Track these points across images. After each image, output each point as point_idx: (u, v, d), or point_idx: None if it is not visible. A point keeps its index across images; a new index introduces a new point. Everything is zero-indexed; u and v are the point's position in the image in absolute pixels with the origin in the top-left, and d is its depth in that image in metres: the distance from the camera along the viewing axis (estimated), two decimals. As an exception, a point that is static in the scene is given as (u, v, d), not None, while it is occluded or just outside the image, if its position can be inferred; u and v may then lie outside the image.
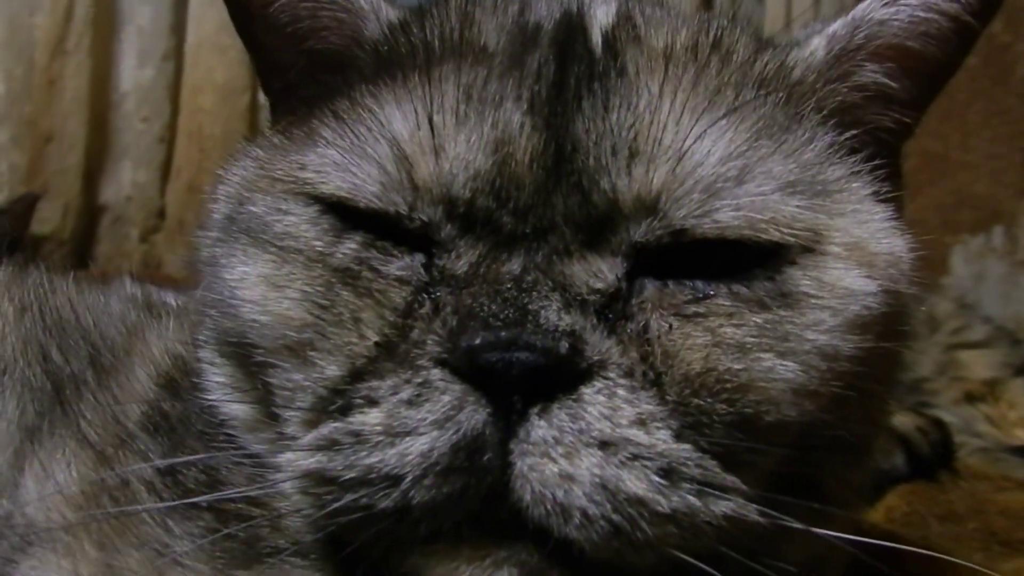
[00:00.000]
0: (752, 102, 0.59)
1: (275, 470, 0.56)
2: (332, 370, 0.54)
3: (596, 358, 0.51)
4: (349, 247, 0.57)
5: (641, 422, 0.51)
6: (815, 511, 0.55)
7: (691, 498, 0.50)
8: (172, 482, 0.60)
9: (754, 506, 0.52)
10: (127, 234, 2.37)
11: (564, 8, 0.64)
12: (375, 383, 0.52)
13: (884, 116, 0.64)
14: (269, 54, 0.68)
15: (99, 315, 0.75)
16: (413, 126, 0.56)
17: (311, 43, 0.65)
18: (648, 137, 0.55)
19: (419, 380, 0.51)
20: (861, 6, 0.63)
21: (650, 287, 0.55)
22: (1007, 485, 1.31)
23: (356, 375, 0.53)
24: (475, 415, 0.50)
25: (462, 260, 0.55)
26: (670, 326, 0.54)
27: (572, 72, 0.58)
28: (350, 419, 0.52)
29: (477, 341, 0.50)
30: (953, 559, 0.69)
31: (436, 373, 0.51)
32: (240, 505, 0.58)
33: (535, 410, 0.50)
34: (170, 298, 0.83)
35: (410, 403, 0.51)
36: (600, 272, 0.55)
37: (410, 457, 0.50)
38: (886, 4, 0.63)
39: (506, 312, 0.51)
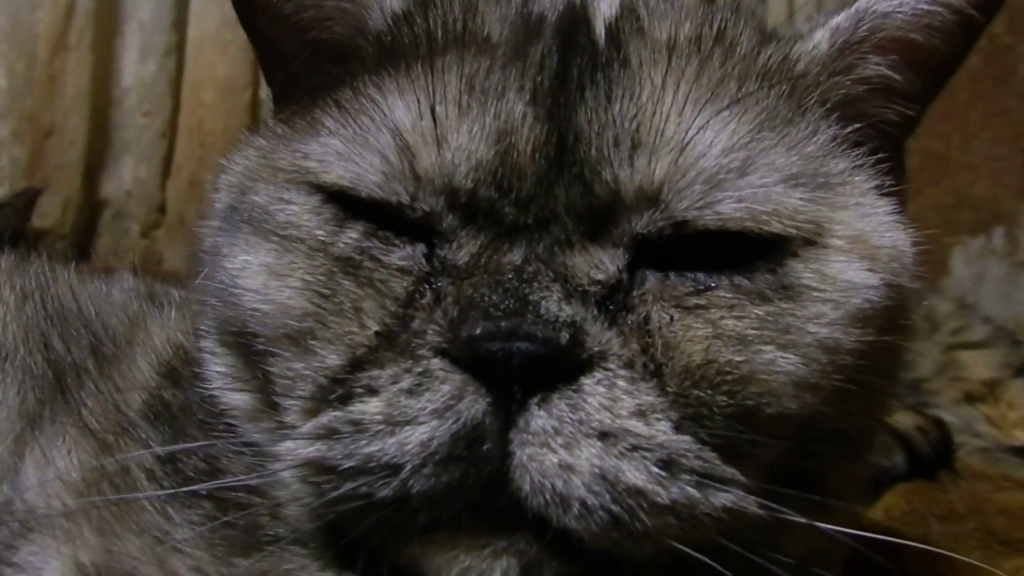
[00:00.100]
0: (755, 94, 0.59)
1: (275, 459, 0.56)
2: (332, 359, 0.54)
3: (596, 349, 0.52)
4: (350, 236, 0.57)
5: (641, 413, 0.51)
6: (815, 504, 0.55)
7: (690, 489, 0.51)
8: (172, 470, 0.60)
9: (753, 498, 0.52)
10: (127, 229, 2.37)
11: None
12: (375, 372, 0.52)
13: (887, 109, 0.64)
14: (272, 45, 0.68)
15: (101, 304, 0.75)
16: (415, 116, 0.56)
17: (315, 33, 0.65)
18: (651, 128, 0.55)
19: (419, 370, 0.51)
20: None
21: (651, 279, 0.55)
22: (1007, 485, 1.31)
23: (356, 364, 0.54)
24: (475, 405, 0.50)
25: (463, 250, 0.55)
26: (671, 318, 0.54)
27: (575, 63, 0.58)
28: (350, 408, 0.52)
29: (478, 331, 0.50)
30: (952, 554, 0.69)
31: (436, 363, 0.51)
32: (240, 493, 0.58)
33: (535, 400, 0.50)
34: (172, 292, 0.83)
35: (410, 392, 0.51)
36: (601, 263, 0.55)
37: (410, 446, 0.50)
38: None
39: (507, 302, 0.51)
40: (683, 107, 0.56)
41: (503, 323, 0.50)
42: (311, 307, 0.56)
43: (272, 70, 0.70)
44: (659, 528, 0.50)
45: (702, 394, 0.52)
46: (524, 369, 0.50)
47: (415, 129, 0.56)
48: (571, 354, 0.51)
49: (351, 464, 0.51)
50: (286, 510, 0.58)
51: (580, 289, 0.54)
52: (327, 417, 0.53)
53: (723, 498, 0.51)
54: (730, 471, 0.52)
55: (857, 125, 0.62)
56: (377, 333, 0.54)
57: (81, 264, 0.86)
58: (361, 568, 0.55)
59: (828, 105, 0.62)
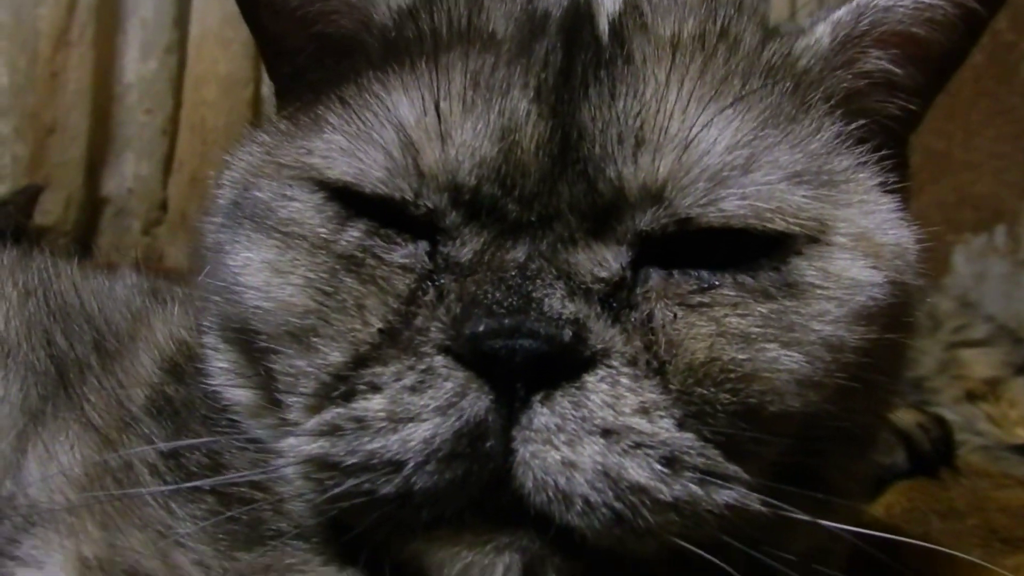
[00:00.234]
0: (759, 91, 0.59)
1: (277, 455, 0.57)
2: (335, 356, 0.54)
3: (599, 346, 0.52)
4: (353, 235, 0.57)
5: (644, 410, 0.51)
6: (818, 501, 0.55)
7: (693, 487, 0.51)
8: (175, 465, 0.60)
9: (756, 496, 0.52)
10: (129, 226, 2.37)
11: None
12: (378, 369, 0.52)
13: (890, 104, 0.64)
14: (276, 39, 0.68)
15: (104, 300, 0.75)
16: (420, 112, 0.56)
17: (319, 27, 0.65)
18: (654, 125, 0.55)
19: (422, 367, 0.51)
20: None
21: (655, 276, 0.55)
22: (1007, 483, 1.31)
23: (359, 361, 0.54)
24: (478, 402, 0.50)
25: (467, 248, 0.55)
26: (675, 315, 0.54)
27: (579, 60, 0.58)
28: (353, 405, 0.52)
29: (481, 328, 0.50)
30: (953, 552, 0.69)
31: (439, 360, 0.51)
32: (242, 488, 0.58)
33: (538, 397, 0.50)
34: (175, 288, 0.83)
35: (413, 389, 0.51)
36: (605, 261, 0.55)
37: (412, 443, 0.50)
38: None
39: (510, 300, 0.51)
40: (687, 104, 0.56)
41: (506, 320, 0.50)
42: (313, 304, 0.56)
43: (275, 65, 0.70)
44: (662, 525, 0.50)
45: (705, 392, 0.52)
46: (527, 366, 0.50)
47: (419, 125, 0.56)
48: (574, 351, 0.51)
49: (354, 461, 0.51)
50: (289, 505, 0.58)
51: (583, 286, 0.53)
52: (330, 414, 0.53)
53: (726, 495, 0.51)
54: (733, 468, 0.52)
55: (861, 121, 0.62)
56: (380, 330, 0.54)
57: (83, 261, 0.86)
58: (363, 564, 0.55)
59: (832, 101, 0.62)
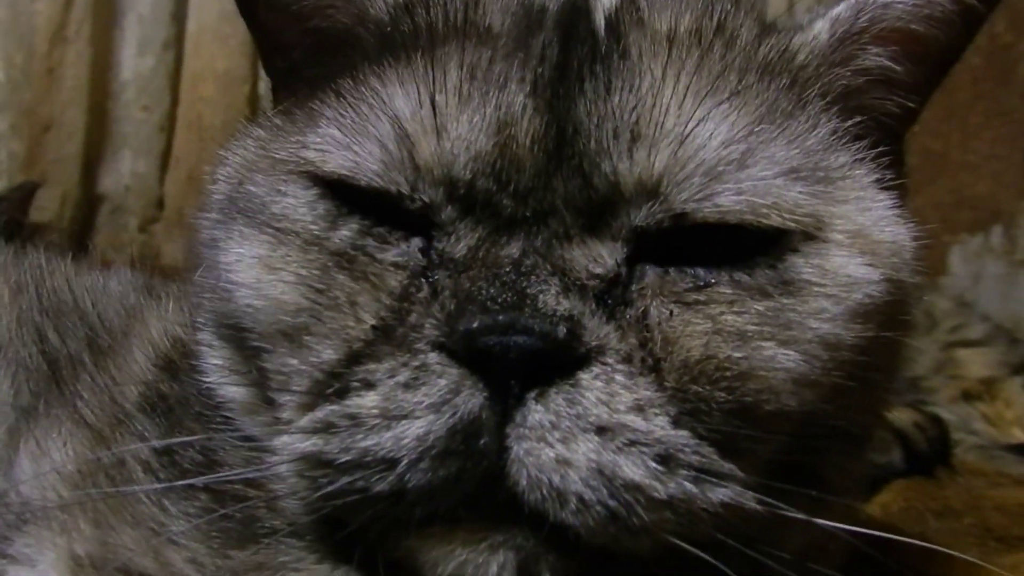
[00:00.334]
0: (755, 86, 0.58)
1: (271, 453, 0.56)
2: (328, 354, 0.54)
3: (594, 343, 0.51)
4: (345, 233, 0.57)
5: (639, 408, 0.51)
6: (814, 500, 0.55)
7: (688, 485, 0.50)
8: (169, 462, 0.60)
9: (751, 494, 0.52)
10: (126, 224, 2.36)
11: None
12: (372, 366, 0.52)
13: (888, 101, 0.64)
14: (272, 34, 0.67)
15: (97, 296, 0.75)
16: (415, 105, 0.56)
17: (316, 21, 0.65)
18: (650, 120, 0.55)
19: (416, 364, 0.51)
20: None
21: (651, 274, 0.55)
22: (1003, 482, 1.31)
23: (353, 359, 0.53)
24: (472, 399, 0.50)
25: (461, 243, 0.55)
26: (670, 313, 0.53)
27: (575, 54, 0.58)
28: (346, 402, 0.52)
29: (475, 324, 0.50)
30: (949, 551, 0.69)
31: (433, 357, 0.51)
32: (236, 486, 0.58)
33: (532, 395, 0.50)
34: (170, 285, 0.83)
35: (407, 386, 0.51)
36: (600, 257, 0.54)
37: (406, 440, 0.50)
38: None
39: (504, 296, 0.51)
40: (683, 99, 0.56)
41: (500, 317, 0.50)
42: (305, 302, 0.55)
43: (271, 60, 0.70)
44: (656, 523, 0.50)
45: (700, 389, 0.52)
46: (521, 363, 0.50)
47: (415, 118, 0.56)
48: (569, 348, 0.50)
49: (347, 458, 0.51)
50: (283, 503, 0.58)
51: (578, 283, 0.53)
52: (323, 411, 0.53)
53: (721, 493, 0.51)
54: (728, 466, 0.52)
55: (858, 118, 0.62)
56: (373, 327, 0.54)
57: (79, 258, 0.86)
58: (357, 561, 0.55)
59: (829, 98, 0.61)
